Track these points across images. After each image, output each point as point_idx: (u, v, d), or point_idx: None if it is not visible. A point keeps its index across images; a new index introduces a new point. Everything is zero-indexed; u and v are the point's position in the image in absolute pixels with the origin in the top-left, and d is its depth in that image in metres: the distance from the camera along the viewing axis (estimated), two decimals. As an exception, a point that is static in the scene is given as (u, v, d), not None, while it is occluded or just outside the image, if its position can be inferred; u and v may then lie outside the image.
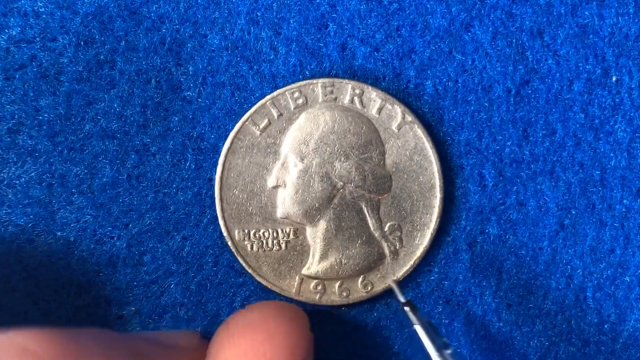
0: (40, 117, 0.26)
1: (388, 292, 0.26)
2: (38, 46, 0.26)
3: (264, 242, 0.26)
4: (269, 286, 0.26)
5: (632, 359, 0.27)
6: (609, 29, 0.27)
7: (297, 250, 0.26)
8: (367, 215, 0.26)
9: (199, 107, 0.26)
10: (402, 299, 0.25)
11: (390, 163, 0.26)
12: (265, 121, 0.26)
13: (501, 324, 0.27)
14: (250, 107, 0.26)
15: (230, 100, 0.26)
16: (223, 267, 0.26)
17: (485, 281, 0.27)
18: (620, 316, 0.27)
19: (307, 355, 0.23)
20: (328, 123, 0.26)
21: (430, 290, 0.27)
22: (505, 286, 0.27)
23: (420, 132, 0.26)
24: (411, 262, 0.26)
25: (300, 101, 0.26)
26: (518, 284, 0.27)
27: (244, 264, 0.26)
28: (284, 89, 0.26)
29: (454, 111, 0.27)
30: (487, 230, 0.27)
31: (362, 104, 0.26)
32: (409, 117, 0.26)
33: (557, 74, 0.27)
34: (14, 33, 0.26)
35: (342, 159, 0.26)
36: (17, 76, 0.26)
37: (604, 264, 0.27)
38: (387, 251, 0.26)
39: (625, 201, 0.27)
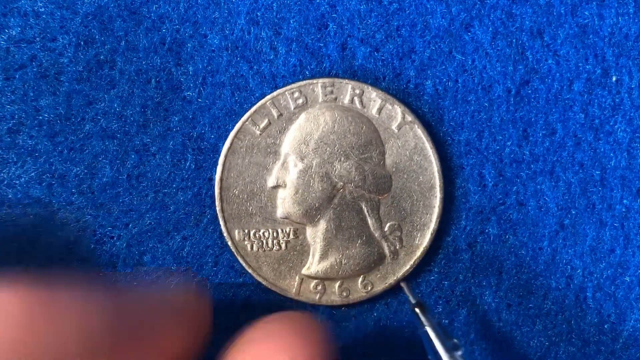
0: (40, 117, 0.26)
1: (388, 292, 0.26)
2: (38, 46, 0.26)
3: (264, 242, 0.26)
4: (269, 286, 0.26)
5: (632, 359, 0.27)
6: (609, 29, 0.27)
7: (297, 250, 0.26)
8: (367, 215, 0.26)
9: (199, 107, 0.26)
10: (412, 300, 0.25)
11: (390, 163, 0.26)
12: (265, 121, 0.26)
13: (501, 324, 0.27)
14: (250, 107, 0.26)
15: (230, 100, 0.26)
16: (223, 267, 0.26)
17: (485, 281, 0.27)
18: (620, 316, 0.27)
19: None
20: (328, 123, 0.26)
21: (430, 290, 0.27)
22: (505, 286, 0.27)
23: (420, 132, 0.26)
24: (411, 262, 0.26)
25: (300, 101, 0.26)
26: (518, 284, 0.27)
27: (244, 264, 0.26)
28: (284, 89, 0.26)
29: (454, 111, 0.27)
30: (487, 230, 0.27)
31: (362, 104, 0.26)
32: (409, 117, 0.26)
33: (557, 74, 0.27)
34: (14, 33, 0.26)
35: (342, 159, 0.26)
36: (17, 76, 0.26)
37: (604, 264, 0.27)
38: (387, 251, 0.26)
39: (625, 201, 0.27)
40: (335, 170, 0.26)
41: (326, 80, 0.26)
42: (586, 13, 0.27)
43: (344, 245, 0.26)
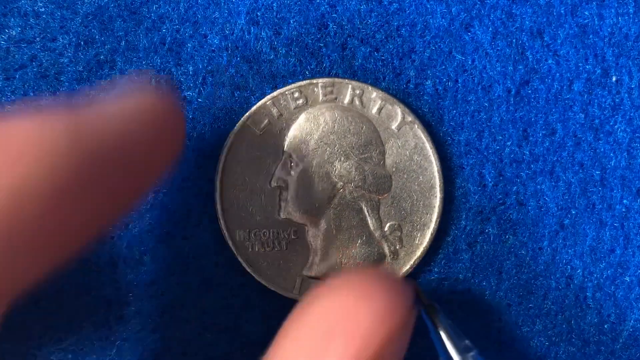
0: (40, 117, 0.26)
1: (388, 292, 0.26)
2: (38, 46, 0.26)
3: (264, 242, 0.26)
4: (270, 286, 0.26)
5: (632, 359, 0.27)
6: (609, 29, 0.27)
7: (298, 251, 0.26)
8: (367, 215, 0.26)
9: (199, 107, 0.26)
10: (425, 301, 0.25)
11: (390, 163, 0.26)
12: (265, 121, 0.26)
13: (501, 324, 0.27)
14: (250, 107, 0.26)
15: (230, 100, 0.26)
16: (223, 267, 0.26)
17: (485, 281, 0.27)
18: (620, 316, 0.27)
19: (403, 328, 0.21)
20: (328, 123, 0.26)
21: (430, 290, 0.27)
22: (505, 286, 0.27)
23: (420, 132, 0.26)
24: (411, 262, 0.26)
25: (300, 101, 0.26)
26: (518, 284, 0.27)
27: (244, 264, 0.26)
28: (284, 89, 0.26)
29: (454, 111, 0.27)
30: (487, 230, 0.27)
31: (362, 104, 0.26)
32: (409, 117, 0.26)
33: (557, 74, 0.27)
34: (14, 33, 0.26)
35: (342, 159, 0.26)
36: (17, 76, 0.26)
37: (604, 264, 0.27)
38: (387, 251, 0.26)
39: (625, 201, 0.27)
40: (336, 170, 0.26)
41: (326, 80, 0.26)
42: (586, 13, 0.27)
43: (344, 245, 0.26)
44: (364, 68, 0.27)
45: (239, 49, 0.26)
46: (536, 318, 0.27)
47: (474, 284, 0.27)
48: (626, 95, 0.27)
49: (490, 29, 0.27)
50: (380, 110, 0.26)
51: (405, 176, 0.26)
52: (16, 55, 0.26)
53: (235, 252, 0.26)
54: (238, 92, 0.26)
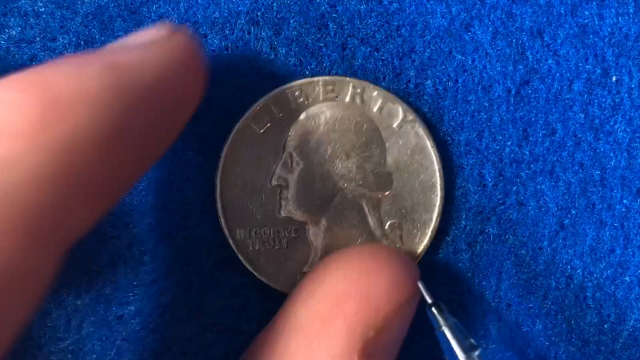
0: (41, 117, 0.26)
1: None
2: (38, 46, 0.26)
3: (265, 240, 0.26)
4: (271, 285, 0.26)
5: (632, 359, 0.27)
6: (609, 29, 0.27)
7: (298, 249, 0.26)
8: (368, 213, 0.26)
9: (199, 107, 0.26)
10: (429, 300, 0.24)
11: (391, 161, 0.26)
12: (266, 120, 0.26)
13: (501, 324, 0.27)
14: (250, 107, 0.26)
15: (230, 100, 0.26)
16: (224, 266, 0.26)
17: (485, 281, 0.27)
18: (620, 316, 0.27)
19: (410, 301, 0.22)
20: (329, 121, 0.26)
21: (430, 290, 0.27)
22: (505, 286, 0.27)
23: (421, 130, 0.26)
24: (411, 262, 0.26)
25: (301, 100, 0.26)
26: (518, 284, 0.27)
27: (245, 263, 0.26)
28: (284, 87, 0.26)
29: (454, 111, 0.27)
30: (487, 230, 0.27)
31: (363, 102, 0.26)
32: (410, 116, 0.26)
33: (557, 74, 0.27)
34: (14, 33, 0.26)
35: (343, 157, 0.26)
36: (17, 75, 0.26)
37: (604, 264, 0.27)
38: (387, 250, 0.26)
39: (625, 201, 0.27)
40: (337, 168, 0.26)
41: (327, 78, 0.26)
42: (586, 13, 0.27)
43: (345, 244, 0.26)
44: (364, 68, 0.27)
45: (239, 49, 0.26)
46: (536, 318, 0.27)
47: (474, 284, 0.27)
48: (626, 95, 0.27)
49: (490, 29, 0.27)
50: (381, 108, 0.26)
51: (406, 175, 0.26)
52: (16, 55, 0.26)
53: (235, 251, 0.26)
54: (238, 92, 0.26)
